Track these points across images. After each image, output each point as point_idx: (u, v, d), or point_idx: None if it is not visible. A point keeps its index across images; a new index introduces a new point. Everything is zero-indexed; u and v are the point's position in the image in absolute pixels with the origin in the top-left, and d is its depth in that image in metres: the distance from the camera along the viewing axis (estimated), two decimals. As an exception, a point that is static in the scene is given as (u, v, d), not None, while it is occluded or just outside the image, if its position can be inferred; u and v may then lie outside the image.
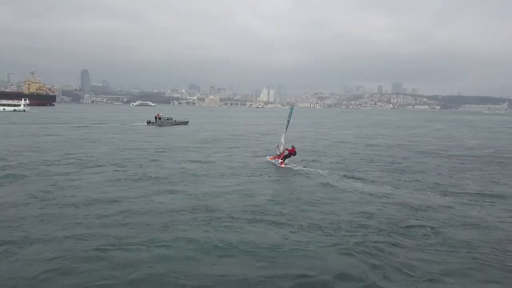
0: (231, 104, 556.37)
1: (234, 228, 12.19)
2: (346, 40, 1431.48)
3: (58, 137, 40.49)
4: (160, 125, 64.09)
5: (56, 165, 22.56)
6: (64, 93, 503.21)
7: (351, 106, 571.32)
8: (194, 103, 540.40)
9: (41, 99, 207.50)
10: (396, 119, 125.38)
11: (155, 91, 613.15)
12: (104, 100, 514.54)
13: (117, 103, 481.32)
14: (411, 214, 14.00)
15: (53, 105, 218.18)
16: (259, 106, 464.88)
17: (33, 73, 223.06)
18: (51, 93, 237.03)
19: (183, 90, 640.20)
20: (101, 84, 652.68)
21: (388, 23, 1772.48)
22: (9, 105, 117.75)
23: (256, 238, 11.37)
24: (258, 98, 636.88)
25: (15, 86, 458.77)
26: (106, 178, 19.18)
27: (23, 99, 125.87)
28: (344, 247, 10.75)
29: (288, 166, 23.99)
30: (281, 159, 25.00)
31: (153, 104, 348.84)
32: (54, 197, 15.27)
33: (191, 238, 11.19)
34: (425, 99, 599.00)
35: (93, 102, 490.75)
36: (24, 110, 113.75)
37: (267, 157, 27.51)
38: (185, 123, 72.00)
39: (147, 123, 66.52)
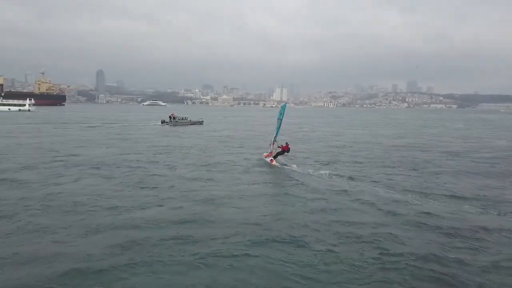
0: (244, 103, 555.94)
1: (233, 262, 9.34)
2: (359, 39, 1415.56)
3: (54, 137, 39.25)
4: (174, 125, 62.71)
5: (34, 170, 20.75)
6: (80, 93, 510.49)
7: (365, 105, 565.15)
8: (208, 103, 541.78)
9: (52, 99, 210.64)
10: (412, 118, 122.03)
11: (169, 90, 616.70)
12: (119, 100, 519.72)
13: (131, 103, 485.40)
14: (451, 239, 11.09)
15: (63, 105, 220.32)
16: (273, 106, 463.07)
17: (43, 73, 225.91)
18: (61, 93, 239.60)
19: (197, 90, 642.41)
20: (116, 84, 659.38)
21: (402, 21, 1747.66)
22: (14, 105, 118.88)
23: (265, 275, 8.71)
24: (271, 98, 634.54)
25: (32, 87, 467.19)
26: (85, 185, 17.20)
27: (28, 98, 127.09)
28: None
29: (296, 170, 22.29)
30: (272, 157, 25.04)
31: (163, 104, 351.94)
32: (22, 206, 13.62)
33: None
34: (441, 98, 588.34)
35: (108, 102, 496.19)
36: (29, 110, 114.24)
37: (264, 153, 26.91)
38: (200, 122, 70.14)
39: (162, 122, 65.09)
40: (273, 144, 26.01)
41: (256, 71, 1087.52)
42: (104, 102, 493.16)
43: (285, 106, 27.70)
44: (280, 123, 26.42)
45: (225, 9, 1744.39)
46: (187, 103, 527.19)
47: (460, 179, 20.46)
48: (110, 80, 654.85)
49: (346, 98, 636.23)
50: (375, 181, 19.11)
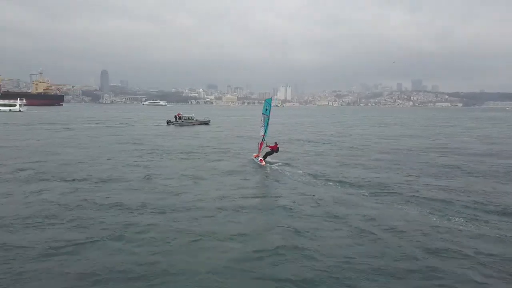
0: (248, 103, 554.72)
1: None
2: (363, 37, 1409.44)
3: (35, 141, 36.57)
4: (180, 125, 61.34)
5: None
6: (84, 93, 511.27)
7: (370, 104, 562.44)
8: (212, 103, 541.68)
9: (49, 99, 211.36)
10: (421, 117, 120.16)
11: (173, 90, 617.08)
12: (123, 99, 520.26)
13: (136, 102, 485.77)
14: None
15: (61, 105, 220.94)
16: (278, 105, 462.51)
17: (41, 73, 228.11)
18: (59, 93, 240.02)
19: (201, 90, 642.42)
20: (120, 84, 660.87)
21: (407, 19, 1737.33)
22: (4, 105, 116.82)
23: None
24: (275, 97, 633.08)
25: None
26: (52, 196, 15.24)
27: (18, 99, 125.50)
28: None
29: (296, 178, 19.90)
30: (262, 157, 24.41)
31: (163, 103, 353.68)
32: None
33: None
34: (447, 96, 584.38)
35: (112, 102, 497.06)
36: (19, 110, 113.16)
37: (253, 154, 26.10)
38: (206, 122, 68.11)
39: (167, 123, 63.65)
40: (261, 144, 25.24)
41: (260, 71, 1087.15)
42: (109, 102, 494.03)
43: (270, 100, 26.25)
44: (268, 120, 25.26)
45: (227, 8, 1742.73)
46: (191, 102, 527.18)
47: (490, 192, 17.21)
48: (114, 80, 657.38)
49: (350, 97, 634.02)
50: (429, 199, 15.53)
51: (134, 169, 21.80)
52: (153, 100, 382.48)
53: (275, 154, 24.65)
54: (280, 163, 23.72)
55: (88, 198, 15.00)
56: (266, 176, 20.84)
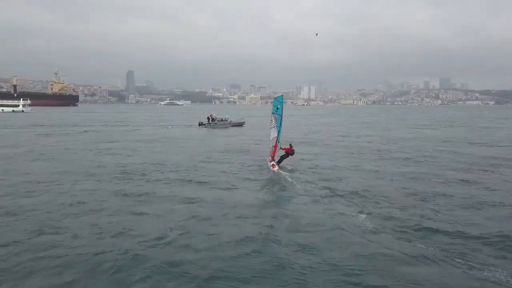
0: (271, 102, 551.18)
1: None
2: (387, 34, 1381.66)
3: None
4: (213, 127, 57.94)
5: None
6: (111, 93, 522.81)
7: (396, 103, 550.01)
8: (235, 102, 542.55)
9: (64, 99, 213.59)
10: (459, 116, 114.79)
11: (197, 90, 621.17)
12: (148, 100, 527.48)
13: (160, 103, 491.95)
14: None
15: (77, 105, 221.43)
16: (305, 104, 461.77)
17: (56, 73, 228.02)
18: (74, 93, 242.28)
19: (224, 89, 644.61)
20: (145, 84, 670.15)
21: (432, 15, 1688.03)
22: (8, 105, 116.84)
23: None
24: (299, 96, 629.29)
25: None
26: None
27: (21, 99, 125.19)
28: None
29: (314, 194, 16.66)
30: (275, 161, 22.45)
31: (180, 103, 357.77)
32: None
33: None
34: (477, 94, 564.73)
35: (137, 102, 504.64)
36: (22, 111, 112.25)
37: (268, 158, 23.67)
38: (241, 124, 64.26)
39: (199, 125, 59.50)
40: (275, 146, 23.01)
41: (283, 70, 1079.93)
42: (134, 102, 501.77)
43: (281, 98, 23.85)
44: (281, 120, 23.00)
45: (249, 7, 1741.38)
46: (214, 102, 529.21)
47: None
48: (140, 81, 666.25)
49: (376, 96, 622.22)
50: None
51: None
52: (170, 100, 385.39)
53: (290, 157, 22.77)
54: (298, 171, 21.54)
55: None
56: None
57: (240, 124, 64.29)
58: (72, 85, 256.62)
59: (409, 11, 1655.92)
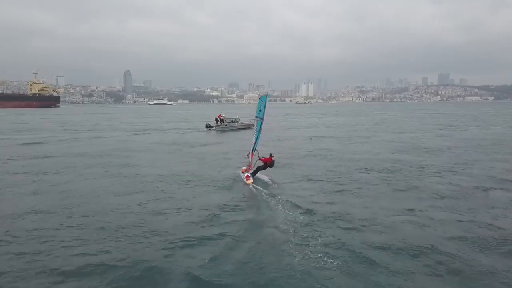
0: (270, 100, 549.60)
1: None
2: (387, 32, 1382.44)
3: None
4: (222, 130, 50.10)
5: None
6: (108, 94, 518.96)
7: (395, 100, 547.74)
8: (233, 101, 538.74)
9: (44, 100, 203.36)
10: (466, 114, 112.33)
11: (195, 89, 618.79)
12: (146, 100, 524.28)
13: (149, 103, 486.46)
14: None
15: (58, 106, 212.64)
16: (307, 102, 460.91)
17: (35, 74, 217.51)
18: (55, 94, 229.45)
19: (222, 88, 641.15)
20: (143, 84, 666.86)
21: (432, 11, 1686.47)
22: None
23: None
24: (297, 94, 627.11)
25: (63, 89, 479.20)
26: None
27: None
28: None
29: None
30: (250, 173, 19.02)
31: (169, 103, 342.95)
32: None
33: None
34: (476, 90, 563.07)
35: (135, 102, 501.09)
36: None
37: (243, 168, 20.28)
38: (254, 125, 57.49)
39: (206, 127, 51.47)
40: (251, 155, 19.98)
41: (282, 68, 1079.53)
42: (132, 102, 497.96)
43: (266, 98, 20.13)
44: (261, 124, 19.90)
45: (248, 6, 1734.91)
46: (213, 101, 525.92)
47: None
48: (137, 81, 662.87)
49: (375, 93, 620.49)
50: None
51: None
52: (159, 99, 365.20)
53: (269, 169, 19.41)
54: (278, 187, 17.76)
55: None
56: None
57: (253, 125, 57.43)
58: (51, 85, 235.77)
59: (408, 7, 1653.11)
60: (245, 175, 18.83)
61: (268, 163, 19.16)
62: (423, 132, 45.47)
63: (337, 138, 39.25)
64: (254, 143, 19.99)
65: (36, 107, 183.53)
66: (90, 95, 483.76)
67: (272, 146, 29.93)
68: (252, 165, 19.66)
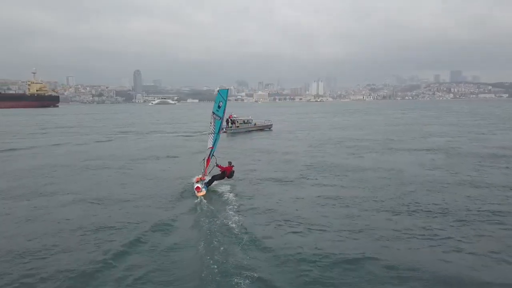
0: (279, 99, 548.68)
1: None
2: (395, 28, 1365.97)
3: None
4: (233, 133, 45.09)
5: None
6: (118, 93, 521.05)
7: (407, 97, 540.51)
8: (243, 100, 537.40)
9: (43, 100, 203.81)
10: (491, 113, 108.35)
11: (204, 88, 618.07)
12: (155, 99, 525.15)
13: (152, 102, 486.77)
14: None
15: (57, 106, 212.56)
16: (318, 100, 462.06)
17: (34, 73, 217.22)
18: (54, 94, 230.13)
19: (231, 87, 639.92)
20: (153, 84, 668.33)
21: (440, 7, 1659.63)
22: None
23: None
24: (307, 92, 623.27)
25: (73, 88, 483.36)
26: None
27: None
28: None
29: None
30: (204, 182, 16.29)
31: (173, 102, 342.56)
32: None
33: None
34: (490, 87, 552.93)
35: (145, 101, 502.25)
36: None
37: (196, 177, 17.44)
38: (268, 127, 51.43)
39: None
40: (207, 161, 17.26)
41: (290, 66, 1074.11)
42: (142, 101, 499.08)
43: (226, 92, 17.25)
44: (220, 124, 17.10)
45: (249, 5, 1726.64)
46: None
47: None
48: (147, 80, 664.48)
49: (385, 91, 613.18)
50: None
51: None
52: (162, 99, 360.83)
53: (226, 179, 17.08)
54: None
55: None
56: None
57: (268, 127, 51.40)
58: (46, 84, 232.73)
59: (417, 3, 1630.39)
60: (195, 185, 15.83)
61: (226, 172, 16.85)
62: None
63: (343, 149, 31.40)
64: (212, 147, 17.25)
65: (35, 107, 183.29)
66: (100, 95, 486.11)
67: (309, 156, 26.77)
68: (206, 173, 17.18)
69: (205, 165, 17.38)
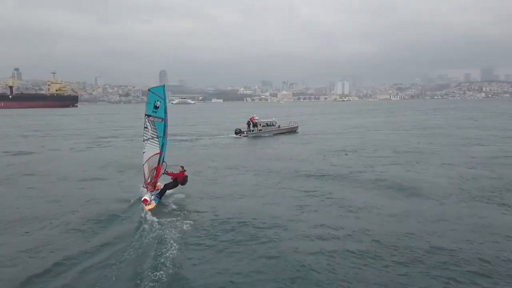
0: (304, 98, 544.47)
1: None
2: (421, 25, 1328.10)
3: None
4: (254, 136, 42.88)
5: None
6: (144, 93, 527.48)
7: (436, 97, 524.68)
8: (267, 99, 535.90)
9: (62, 100, 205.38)
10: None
11: (229, 88, 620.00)
12: (175, 99, 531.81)
13: (172, 102, 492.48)
14: None
15: (76, 106, 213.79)
16: (345, 99, 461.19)
17: (54, 73, 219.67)
18: (73, 94, 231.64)
19: (256, 87, 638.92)
20: (178, 83, 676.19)
21: (470, 3, 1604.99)
22: None
23: None
24: (332, 91, 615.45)
25: (101, 89, 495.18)
26: None
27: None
28: None
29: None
30: (156, 193, 14.69)
31: (192, 102, 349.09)
32: None
33: None
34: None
35: (170, 101, 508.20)
36: None
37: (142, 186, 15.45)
38: (294, 130, 49.02)
39: (236, 133, 43.61)
40: (158, 169, 15.31)
41: (313, 65, 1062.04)
42: (168, 101, 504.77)
43: (162, 89, 15.06)
44: (165, 127, 14.96)
45: (269, 4, 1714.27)
46: (246, 100, 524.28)
47: None
48: (173, 80, 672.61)
49: (413, 90, 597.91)
50: None
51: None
52: (182, 98, 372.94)
53: (180, 187, 15.41)
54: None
55: None
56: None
57: (293, 130, 49.06)
58: (66, 84, 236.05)
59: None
60: (143, 197, 14.10)
61: (179, 179, 15.15)
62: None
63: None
64: (160, 153, 15.11)
65: (54, 107, 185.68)
66: (127, 95, 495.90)
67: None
68: (155, 182, 15.28)
69: (155, 173, 15.28)
